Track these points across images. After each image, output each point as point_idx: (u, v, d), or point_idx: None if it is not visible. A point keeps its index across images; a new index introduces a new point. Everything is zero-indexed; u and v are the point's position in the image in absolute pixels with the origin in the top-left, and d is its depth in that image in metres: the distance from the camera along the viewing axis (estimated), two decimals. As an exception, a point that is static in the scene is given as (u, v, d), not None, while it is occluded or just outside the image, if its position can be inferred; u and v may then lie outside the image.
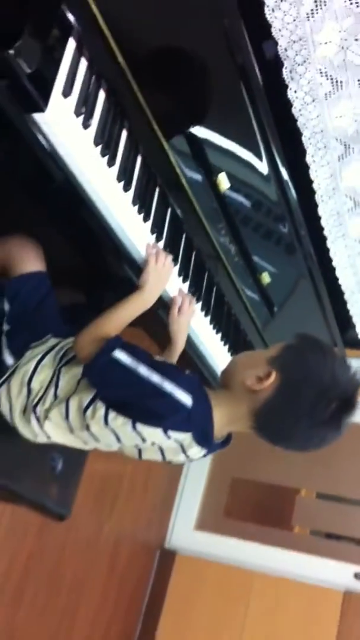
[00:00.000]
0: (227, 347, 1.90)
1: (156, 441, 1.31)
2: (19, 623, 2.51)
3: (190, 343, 1.74)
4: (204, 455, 1.38)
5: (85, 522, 2.89)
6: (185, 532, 3.65)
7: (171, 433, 1.29)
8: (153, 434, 1.29)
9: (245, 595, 3.38)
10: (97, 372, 1.31)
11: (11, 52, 0.95)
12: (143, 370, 1.27)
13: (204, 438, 1.32)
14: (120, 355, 1.28)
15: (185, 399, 1.27)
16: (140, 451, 1.39)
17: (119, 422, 1.30)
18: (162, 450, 1.36)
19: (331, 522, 3.75)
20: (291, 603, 3.31)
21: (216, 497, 3.78)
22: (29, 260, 1.51)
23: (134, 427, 1.29)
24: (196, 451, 1.34)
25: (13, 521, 2.42)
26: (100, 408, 1.31)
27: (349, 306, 1.93)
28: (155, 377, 1.27)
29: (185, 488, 3.77)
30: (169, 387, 1.26)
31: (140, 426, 1.29)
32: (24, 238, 1.53)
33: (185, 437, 1.30)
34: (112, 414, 1.30)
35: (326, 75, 1.23)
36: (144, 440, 1.31)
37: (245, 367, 1.33)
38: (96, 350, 1.30)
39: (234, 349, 1.91)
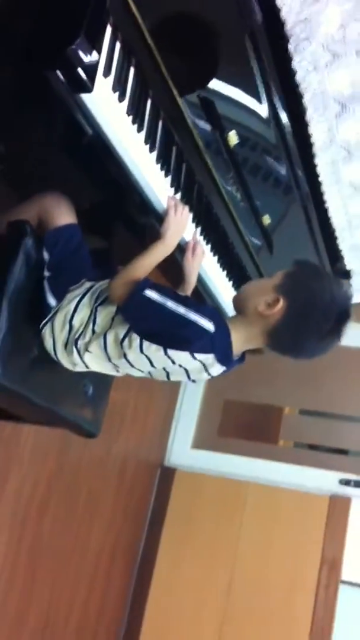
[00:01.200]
0: (231, 282, 2.13)
1: (183, 363, 1.54)
2: (45, 531, 2.80)
3: (200, 281, 1.97)
4: (224, 372, 1.62)
5: (96, 444, 3.16)
6: (183, 450, 3.96)
7: (197, 355, 1.52)
8: (182, 357, 1.52)
9: (240, 504, 3.70)
10: (132, 310, 1.52)
11: (73, 47, 1.13)
12: (171, 304, 1.49)
13: (225, 357, 1.55)
14: (151, 293, 1.49)
15: (208, 325, 1.49)
16: (168, 374, 1.63)
17: (152, 349, 1.52)
18: (187, 371, 1.59)
19: (314, 435, 4.07)
20: (282, 509, 3.64)
21: (210, 418, 4.07)
22: (63, 214, 1.69)
23: (165, 352, 1.52)
24: (217, 369, 1.58)
25: (35, 445, 2.68)
26: (136, 339, 1.53)
27: (338, 242, 2.15)
28: (181, 309, 1.48)
29: (181, 411, 4.07)
30: (193, 316, 1.48)
31: (170, 351, 1.51)
32: (57, 194, 1.71)
33: (208, 358, 1.53)
34: (146, 343, 1.52)
35: (327, 49, 1.42)
36: (173, 362, 1.54)
37: (255, 295, 1.55)
38: (129, 291, 1.51)
39: (237, 285, 2.13)
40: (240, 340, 1.57)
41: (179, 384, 4.07)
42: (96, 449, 3.17)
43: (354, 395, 3.87)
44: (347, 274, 2.35)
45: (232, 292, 2.12)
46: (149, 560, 3.67)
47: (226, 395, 4.14)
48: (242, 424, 4.26)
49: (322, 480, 3.67)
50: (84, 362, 1.64)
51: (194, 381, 1.67)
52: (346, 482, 3.65)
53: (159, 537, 3.70)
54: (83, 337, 1.61)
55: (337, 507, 3.56)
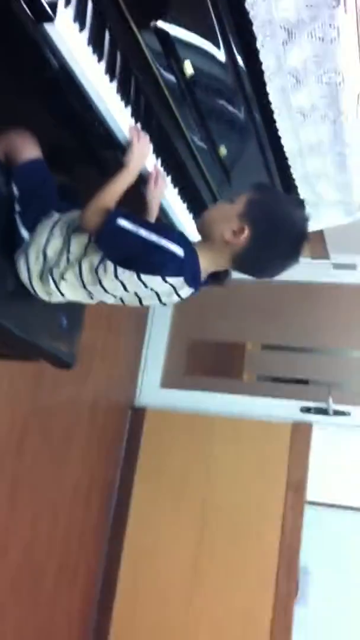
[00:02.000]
0: (191, 214, 2.23)
1: (155, 287, 1.64)
2: (22, 469, 2.91)
3: (162, 210, 2.06)
4: (192, 294, 1.73)
5: (68, 384, 3.27)
6: (152, 390, 4.10)
7: (168, 279, 1.62)
8: (153, 280, 1.62)
9: (208, 438, 3.87)
10: (106, 239, 1.61)
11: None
12: (143, 232, 1.57)
13: (193, 280, 1.66)
14: (123, 222, 1.58)
15: (178, 250, 1.59)
16: (140, 299, 1.73)
17: (126, 274, 1.62)
18: (158, 295, 1.69)
19: (275, 367, 4.25)
20: (248, 439, 3.81)
21: (177, 358, 4.21)
22: (28, 149, 1.76)
23: (138, 277, 1.61)
24: (186, 291, 1.68)
25: (9, 388, 2.76)
26: (110, 266, 1.62)
27: (291, 170, 2.26)
28: (153, 237, 1.57)
29: (148, 352, 4.20)
30: (164, 243, 1.58)
31: (144, 276, 1.61)
32: (21, 131, 1.77)
33: (179, 280, 1.63)
34: (120, 269, 1.62)
35: (273, -25, 1.50)
36: (145, 286, 1.63)
37: (220, 222, 1.65)
38: (102, 220, 1.60)
39: (196, 214, 2.24)
40: (207, 264, 1.68)
41: (145, 324, 4.18)
42: (67, 390, 3.27)
43: (311, 327, 4.05)
44: (301, 203, 2.46)
45: (192, 222, 2.22)
46: (125, 496, 3.82)
47: (191, 335, 4.27)
48: (208, 361, 4.40)
49: (285, 409, 3.86)
50: (59, 290, 1.73)
51: (164, 304, 1.77)
52: (307, 410, 3.84)
53: (132, 474, 3.86)
54: (57, 266, 1.69)
55: (299, 433, 3.75)
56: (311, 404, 3.85)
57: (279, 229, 1.63)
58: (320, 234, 3.78)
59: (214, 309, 4.15)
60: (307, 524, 3.61)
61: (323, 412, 3.82)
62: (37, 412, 2.98)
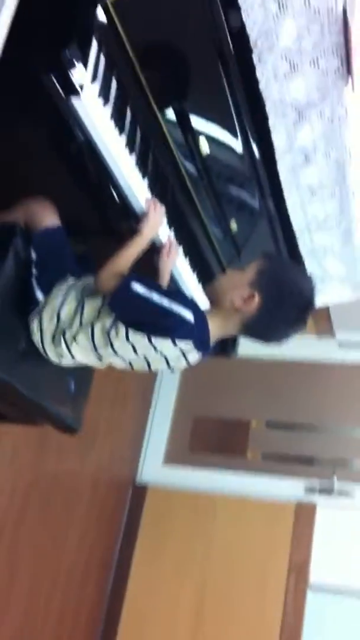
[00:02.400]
0: (200, 284, 2.29)
1: (164, 350, 1.68)
2: (21, 540, 2.87)
3: (172, 279, 2.12)
4: (200, 359, 1.76)
5: (71, 456, 3.25)
6: (154, 467, 4.05)
7: (178, 342, 1.65)
8: (164, 344, 1.66)
9: (211, 517, 3.80)
10: (120, 302, 1.66)
11: (67, 51, 1.28)
12: (155, 296, 1.63)
13: (202, 344, 1.70)
14: (137, 286, 1.63)
15: (189, 315, 1.64)
16: (148, 363, 1.76)
17: (137, 337, 1.66)
18: (167, 359, 1.72)
19: (280, 445, 4.21)
20: (251, 519, 3.75)
21: (180, 434, 4.18)
22: (48, 217, 1.83)
23: (149, 340, 1.65)
24: (194, 356, 1.72)
25: (14, 455, 2.75)
26: (122, 329, 1.66)
27: (299, 245, 2.33)
28: (165, 301, 1.63)
29: (152, 428, 4.18)
30: (176, 307, 1.63)
31: (154, 339, 1.65)
32: (42, 199, 1.85)
33: (187, 345, 1.67)
34: (131, 332, 1.66)
35: (286, 59, 1.60)
36: (155, 349, 1.67)
37: (230, 289, 1.70)
38: (116, 284, 1.65)
39: (203, 282, 2.29)
40: (216, 329, 1.72)
41: (150, 399, 4.18)
42: (70, 462, 3.25)
43: (316, 405, 4.05)
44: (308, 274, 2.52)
45: (201, 291, 2.27)
46: (123, 573, 3.73)
47: (195, 412, 4.26)
48: (212, 438, 4.37)
49: (289, 488, 3.81)
50: (70, 352, 1.76)
51: (172, 369, 1.80)
52: (311, 490, 3.78)
53: (131, 552, 3.77)
54: (70, 328, 1.73)
55: (303, 514, 3.70)
56: (316, 483, 3.79)
57: (287, 296, 1.68)
58: (326, 311, 3.84)
59: (219, 386, 4.17)
60: (309, 607, 3.50)
61: (327, 491, 3.76)
62: (39, 482, 2.96)
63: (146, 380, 4.15)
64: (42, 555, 3.04)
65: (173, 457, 4.11)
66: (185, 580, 3.68)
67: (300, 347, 3.91)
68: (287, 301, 1.67)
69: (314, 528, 3.65)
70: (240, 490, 3.83)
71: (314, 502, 3.73)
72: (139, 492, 3.93)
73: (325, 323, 4.00)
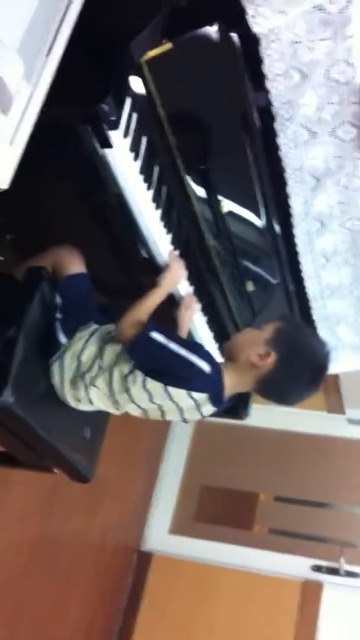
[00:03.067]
0: (215, 340, 2.36)
1: (179, 401, 1.72)
2: (25, 598, 2.83)
3: (189, 334, 2.19)
4: (214, 413, 1.80)
5: (78, 515, 3.23)
6: (160, 535, 4.01)
7: (193, 394, 1.71)
8: (179, 394, 1.71)
9: (215, 590, 3.74)
10: (138, 349, 1.72)
11: (103, 105, 1.40)
12: (173, 346, 1.70)
13: (216, 397, 1.75)
14: (156, 335, 1.70)
15: (205, 367, 1.70)
16: (163, 412, 1.80)
17: (154, 385, 1.71)
18: (181, 410, 1.77)
19: (287, 521, 4.16)
20: (256, 594, 3.68)
21: (187, 503, 4.15)
22: (75, 264, 1.91)
23: (165, 389, 1.71)
24: (208, 409, 1.76)
25: (23, 508, 2.76)
26: (139, 375, 1.72)
27: (312, 311, 2.40)
28: (182, 351, 1.69)
29: (159, 495, 4.14)
30: (193, 358, 1.69)
31: (170, 388, 1.70)
32: (70, 247, 1.94)
33: (202, 397, 1.72)
34: (148, 380, 1.71)
35: (305, 128, 1.72)
36: (171, 399, 1.72)
37: (247, 346, 1.77)
38: (136, 332, 1.72)
39: (219, 341, 2.36)
40: (231, 383, 1.76)
41: (158, 466, 4.16)
42: (77, 522, 3.24)
43: (325, 482, 4.01)
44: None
45: (216, 349, 2.34)
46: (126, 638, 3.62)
47: (203, 481, 4.24)
48: (219, 509, 4.32)
49: (295, 566, 3.75)
50: (88, 397, 1.81)
51: (185, 421, 1.84)
52: (318, 569, 3.71)
53: (134, 620, 3.68)
54: (90, 372, 1.79)
55: (309, 593, 3.63)
56: (323, 563, 3.73)
57: (302, 357, 1.75)
58: (336, 388, 3.87)
59: (228, 456, 4.16)
60: None
61: (334, 571, 3.69)
62: (45, 539, 2.94)
63: (156, 445, 4.16)
64: (44, 615, 2.99)
65: (179, 526, 4.06)
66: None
67: (310, 422, 3.93)
68: (300, 361, 1.74)
69: (320, 607, 3.57)
70: (246, 564, 3.77)
71: (321, 580, 3.65)
72: (144, 559, 3.88)
73: (335, 400, 4.02)
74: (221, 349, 2.34)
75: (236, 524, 4.15)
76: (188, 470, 4.20)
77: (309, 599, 3.61)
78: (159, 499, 4.13)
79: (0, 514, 2.63)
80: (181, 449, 4.23)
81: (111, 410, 1.87)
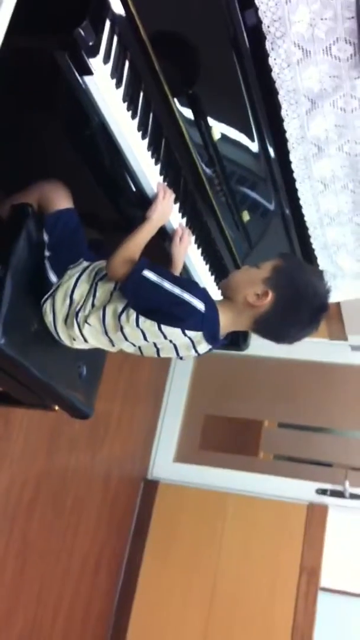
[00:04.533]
0: (213, 276, 2.30)
1: (174, 339, 1.69)
2: (33, 531, 2.88)
3: (185, 269, 2.14)
4: (209, 350, 1.77)
5: (82, 451, 3.26)
6: (165, 464, 4.07)
7: (188, 332, 1.67)
8: (173, 332, 1.67)
9: (221, 515, 3.81)
10: (131, 288, 1.67)
11: (80, 30, 1.31)
12: (167, 284, 1.64)
13: (212, 336, 1.71)
14: (149, 273, 1.65)
15: (200, 305, 1.65)
16: (158, 350, 1.77)
17: (147, 324, 1.67)
18: (176, 347, 1.73)
19: (292, 447, 4.21)
20: (262, 518, 3.76)
21: (191, 432, 4.20)
22: (61, 199, 1.85)
23: (159, 327, 1.67)
24: (204, 347, 1.73)
25: (26, 444, 2.77)
26: (132, 314, 1.68)
27: (311, 240, 2.33)
28: (176, 290, 1.64)
29: (163, 425, 4.19)
30: (187, 296, 1.64)
31: (164, 327, 1.66)
32: (55, 181, 1.87)
33: (197, 335, 1.68)
34: (141, 318, 1.67)
35: (298, 46, 1.62)
36: (165, 337, 1.68)
37: (244, 285, 1.71)
38: (128, 271, 1.67)
39: (216, 275, 2.31)
40: (227, 322, 1.72)
41: (161, 397, 4.19)
42: (82, 457, 3.27)
43: (328, 408, 4.04)
44: (323, 276, 2.52)
45: (213, 284, 2.28)
46: (133, 570, 3.74)
47: (207, 410, 4.27)
48: (223, 437, 4.39)
49: (300, 490, 3.80)
50: (82, 335, 1.77)
51: (181, 358, 1.81)
52: (323, 492, 3.77)
53: (142, 548, 3.79)
54: (83, 310, 1.75)
55: (315, 516, 3.69)
56: (328, 486, 3.78)
57: (301, 296, 1.68)
58: (338, 315, 3.83)
59: (231, 385, 4.17)
60: (320, 611, 3.48)
61: (339, 494, 3.75)
62: (50, 473, 2.98)
63: (158, 378, 4.17)
64: (52, 549, 3.06)
65: (184, 455, 4.11)
66: (195, 576, 3.69)
67: (312, 349, 3.92)
68: (300, 301, 1.68)
69: (325, 529, 3.64)
70: (251, 489, 3.84)
71: (326, 503, 3.71)
72: (151, 488, 3.95)
73: (337, 327, 3.99)
74: (218, 284, 2.29)
75: (241, 451, 4.21)
76: (191, 401, 4.23)
77: (314, 522, 3.68)
78: (163, 429, 4.18)
79: (4, 450, 2.65)
80: (184, 379, 4.24)
81: (106, 347, 1.85)
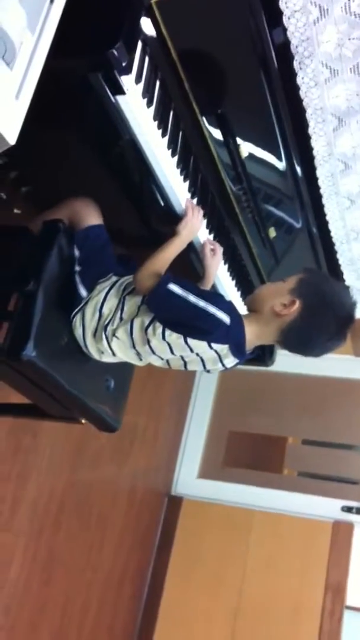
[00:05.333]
0: (239, 292, 2.33)
1: (200, 352, 1.71)
2: (58, 544, 2.90)
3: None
4: (236, 364, 1.79)
5: (107, 465, 3.29)
6: (189, 480, 4.06)
7: (214, 345, 1.69)
8: (199, 345, 1.69)
9: (246, 532, 3.79)
10: (157, 301, 1.69)
11: (114, 51, 1.35)
12: (192, 297, 1.66)
13: (238, 349, 1.72)
14: (174, 287, 1.67)
15: (225, 318, 1.66)
16: (185, 363, 1.79)
17: (173, 337, 1.69)
18: (203, 361, 1.75)
19: (316, 464, 4.19)
20: (287, 536, 3.73)
21: (215, 448, 4.19)
22: (91, 216, 1.88)
23: (185, 340, 1.69)
24: (230, 360, 1.74)
25: (52, 457, 2.80)
26: (159, 327, 1.70)
27: (338, 255, 2.35)
28: (201, 303, 1.66)
29: (188, 441, 4.19)
30: (212, 309, 1.66)
31: (190, 340, 1.69)
32: (86, 198, 1.91)
33: (223, 348, 1.70)
34: (168, 331, 1.69)
35: (326, 65, 1.64)
36: (192, 350, 1.70)
37: (271, 297, 1.73)
38: (154, 284, 1.69)
39: (242, 291, 2.33)
40: (253, 335, 1.73)
41: (186, 412, 4.20)
42: (107, 470, 3.29)
43: (353, 424, 4.02)
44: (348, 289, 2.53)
45: (240, 299, 2.31)
46: (157, 586, 3.73)
47: (231, 427, 4.27)
48: (247, 454, 4.38)
49: (325, 507, 3.77)
50: (111, 348, 1.80)
51: (208, 371, 1.83)
52: (348, 509, 3.74)
53: (166, 563, 3.77)
54: (112, 324, 1.78)
55: (340, 533, 3.65)
56: (354, 504, 3.76)
57: (327, 306, 1.69)
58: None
59: (255, 401, 4.17)
60: (346, 630, 3.44)
61: (365, 512, 3.72)
62: (76, 486, 3.00)
63: (182, 393, 4.18)
64: (78, 562, 3.07)
65: (208, 471, 4.11)
66: (219, 593, 3.67)
67: (337, 366, 3.91)
68: (327, 310, 1.68)
69: (351, 547, 3.61)
70: (276, 506, 3.81)
71: (352, 521, 3.68)
72: (175, 503, 3.95)
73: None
74: (244, 299, 2.31)
75: (265, 468, 4.20)
76: (215, 416, 4.23)
77: (340, 540, 3.64)
78: (188, 445, 4.17)
79: (32, 463, 2.68)
80: (208, 395, 4.25)
81: (134, 361, 1.87)
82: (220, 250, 2.05)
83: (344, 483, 4.01)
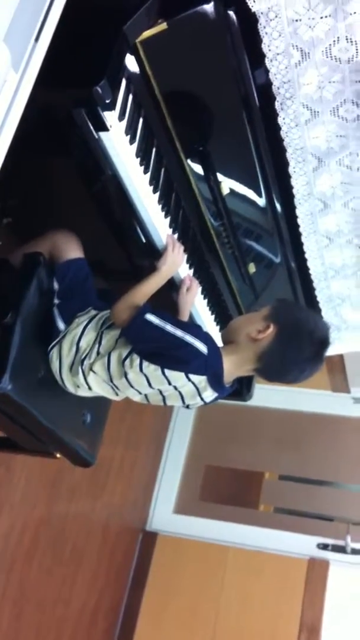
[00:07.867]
0: (216, 323, 2.33)
1: (178, 385, 1.70)
2: (31, 579, 2.85)
3: (190, 318, 2.16)
4: (216, 399, 1.78)
5: (82, 499, 3.24)
6: (165, 515, 4.02)
7: (191, 376, 1.68)
8: (177, 377, 1.68)
9: (221, 568, 3.75)
10: (134, 332, 1.69)
11: (98, 88, 1.36)
12: (169, 327, 1.67)
13: (216, 380, 1.71)
14: (151, 317, 1.67)
15: (202, 347, 1.67)
16: (164, 398, 1.78)
17: (151, 368, 1.68)
18: (181, 395, 1.74)
19: (293, 500, 4.17)
20: (262, 572, 3.70)
21: (192, 483, 4.16)
22: (72, 249, 1.88)
23: (162, 372, 1.68)
24: (209, 394, 1.73)
25: (26, 490, 2.76)
26: (136, 359, 1.69)
27: (316, 292, 2.36)
28: (178, 332, 1.66)
29: (164, 475, 4.15)
30: (189, 339, 1.66)
31: (167, 371, 1.68)
32: (67, 231, 1.91)
33: (202, 380, 1.69)
34: (145, 363, 1.68)
35: (307, 107, 1.67)
36: (169, 382, 1.69)
37: (246, 325, 1.75)
38: (131, 315, 1.69)
39: (221, 324, 2.33)
40: (231, 364, 1.73)
41: (163, 446, 4.17)
42: (82, 504, 3.24)
43: (330, 461, 4.01)
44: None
45: (217, 332, 2.31)
46: (131, 622, 3.66)
47: (207, 461, 4.24)
48: (224, 489, 4.34)
49: (301, 544, 3.75)
50: (87, 383, 1.79)
51: (188, 407, 1.82)
52: (324, 546, 3.72)
53: (140, 599, 3.72)
54: (89, 358, 1.76)
55: (316, 571, 3.64)
56: (329, 541, 3.73)
57: (302, 328, 1.70)
58: (341, 367, 3.85)
59: (233, 435, 4.16)
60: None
61: (341, 549, 3.70)
62: (50, 520, 2.95)
63: (160, 427, 4.16)
64: (50, 597, 3.01)
65: (184, 506, 4.07)
66: (193, 629, 3.63)
67: (315, 401, 3.92)
68: (302, 333, 1.69)
69: (326, 585, 3.58)
70: (252, 543, 3.78)
71: (327, 558, 3.66)
72: (149, 539, 3.90)
73: (340, 379, 4.00)
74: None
75: (241, 503, 4.17)
76: (192, 451, 4.20)
77: (315, 577, 3.62)
78: (164, 479, 4.14)
79: (5, 496, 2.63)
80: (186, 428, 4.22)
81: (111, 396, 1.86)
82: (196, 287, 2.06)
83: (320, 520, 3.99)
